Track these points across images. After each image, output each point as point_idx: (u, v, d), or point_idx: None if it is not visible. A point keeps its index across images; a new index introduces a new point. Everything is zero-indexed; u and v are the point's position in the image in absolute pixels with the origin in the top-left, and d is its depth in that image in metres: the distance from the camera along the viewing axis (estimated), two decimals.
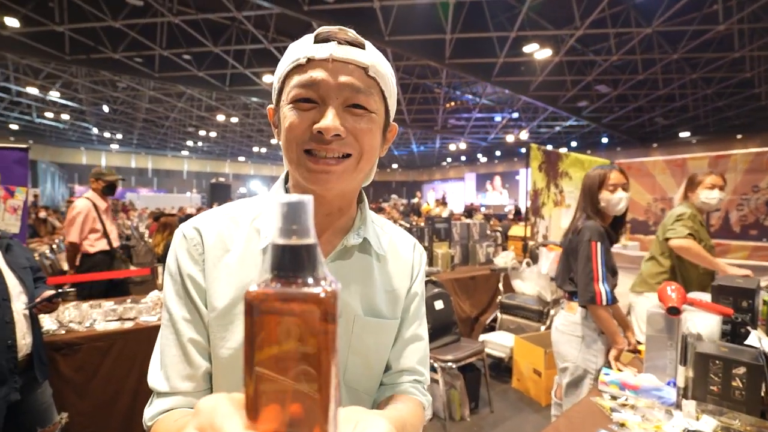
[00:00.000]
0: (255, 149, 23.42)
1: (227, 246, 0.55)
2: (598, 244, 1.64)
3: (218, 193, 19.92)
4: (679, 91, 11.67)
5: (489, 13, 7.87)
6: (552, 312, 3.24)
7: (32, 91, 11.91)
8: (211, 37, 8.64)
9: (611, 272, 1.69)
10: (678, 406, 1.07)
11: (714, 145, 15.40)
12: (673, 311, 1.16)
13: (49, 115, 15.13)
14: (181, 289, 0.53)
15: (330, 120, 0.48)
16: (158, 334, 0.55)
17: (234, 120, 16.10)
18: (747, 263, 3.23)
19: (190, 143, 21.85)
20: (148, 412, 0.51)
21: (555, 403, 1.96)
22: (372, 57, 0.52)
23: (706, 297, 1.31)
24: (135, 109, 14.78)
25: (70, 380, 1.78)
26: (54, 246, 4.22)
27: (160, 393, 0.52)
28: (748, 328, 1.10)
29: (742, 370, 0.96)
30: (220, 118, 15.58)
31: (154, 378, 0.52)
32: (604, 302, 1.58)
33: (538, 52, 8.71)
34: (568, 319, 1.77)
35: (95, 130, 18.21)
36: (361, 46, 0.52)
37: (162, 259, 3.68)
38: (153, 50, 8.81)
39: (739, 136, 15.42)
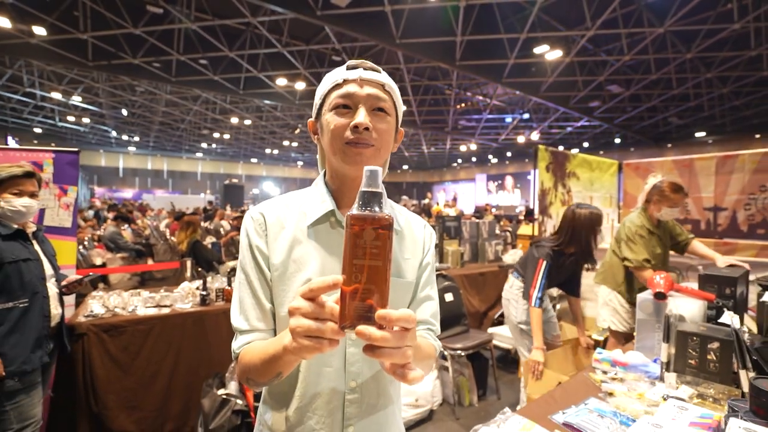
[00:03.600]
0: (267, 151, 23.80)
1: (283, 224, 0.73)
2: (545, 262, 2.21)
3: (231, 194, 20.22)
4: (694, 91, 11.52)
5: (499, 14, 7.94)
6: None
7: (55, 95, 12.39)
8: (226, 42, 8.91)
9: (558, 283, 2.43)
10: (661, 378, 1.19)
11: (731, 144, 15.08)
12: (660, 296, 1.28)
13: (71, 118, 15.68)
14: (251, 257, 0.72)
15: (362, 117, 0.67)
16: (234, 290, 0.74)
17: (247, 122, 16.45)
18: (754, 260, 3.30)
19: (204, 145, 22.34)
20: (235, 344, 0.69)
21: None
22: (387, 78, 0.72)
23: (694, 285, 1.42)
24: (152, 113, 15.22)
25: (116, 359, 1.98)
26: (85, 242, 4.48)
27: (242, 331, 0.70)
28: (724, 309, 1.22)
29: (716, 345, 1.08)
30: (234, 120, 15.93)
31: (237, 320, 0.71)
32: (532, 304, 2.19)
33: (549, 53, 8.73)
34: (506, 286, 2.55)
35: (114, 133, 18.77)
36: (379, 71, 0.72)
37: (186, 255, 3.89)
38: (171, 55, 9.12)
39: (757, 136, 15.10)
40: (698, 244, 2.36)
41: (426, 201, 13.50)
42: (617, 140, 18.13)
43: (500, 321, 3.75)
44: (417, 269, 0.80)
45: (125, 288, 4.11)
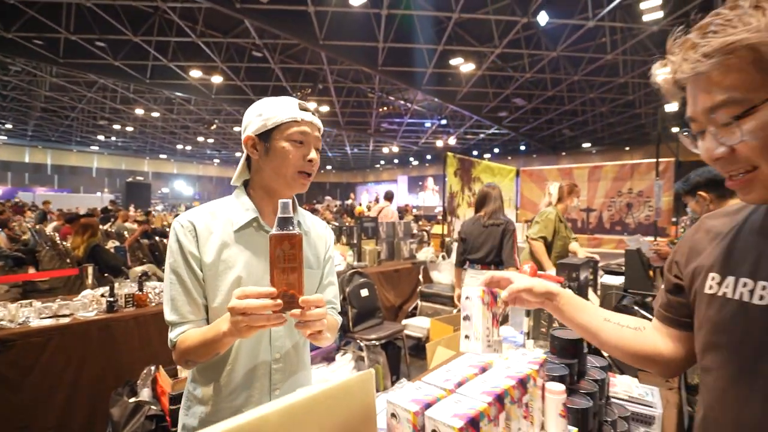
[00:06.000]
0: (179, 147, 21.91)
1: (211, 230, 0.86)
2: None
3: (135, 194, 17.96)
4: (581, 108, 13.44)
5: (419, 25, 8.41)
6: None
7: None
8: (129, 25, 8.09)
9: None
10: (524, 345, 1.51)
11: (608, 155, 18.03)
12: None
13: None
14: (183, 259, 0.83)
15: (315, 154, 0.90)
16: (165, 290, 0.84)
17: (155, 115, 14.99)
18: (610, 251, 4.08)
19: (101, 137, 19.76)
20: (172, 334, 0.82)
21: None
22: (320, 122, 0.92)
23: (553, 272, 1.80)
24: (31, 97, 13.09)
25: (3, 376, 1.78)
26: None
27: (176, 323, 0.82)
28: (570, 290, 1.59)
29: None
30: (139, 111, 14.40)
31: (170, 316, 0.83)
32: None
33: (463, 66, 9.46)
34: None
35: None
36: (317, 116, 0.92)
37: (84, 261, 3.53)
38: (58, 33, 7.98)
39: (627, 149, 18.15)
40: (573, 244, 2.95)
41: (349, 201, 13.68)
42: (522, 147, 20.26)
43: (413, 314, 4.08)
44: (322, 261, 1.01)
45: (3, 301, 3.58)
